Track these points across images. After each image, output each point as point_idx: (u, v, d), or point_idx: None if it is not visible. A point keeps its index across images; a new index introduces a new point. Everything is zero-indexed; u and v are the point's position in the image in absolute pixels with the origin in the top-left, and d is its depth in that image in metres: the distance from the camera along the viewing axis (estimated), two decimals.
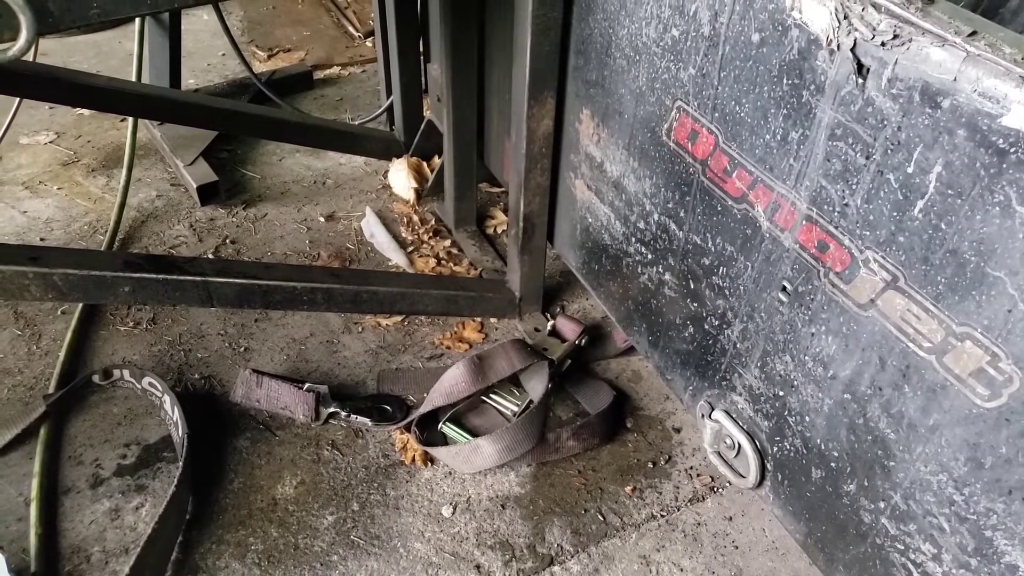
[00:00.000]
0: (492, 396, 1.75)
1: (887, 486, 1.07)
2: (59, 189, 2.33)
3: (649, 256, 1.47)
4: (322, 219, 2.27)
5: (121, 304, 1.92)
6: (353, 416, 1.70)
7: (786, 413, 1.22)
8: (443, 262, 2.14)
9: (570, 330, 1.88)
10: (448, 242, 2.21)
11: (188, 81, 2.79)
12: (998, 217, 0.82)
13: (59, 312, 1.93)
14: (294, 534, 1.52)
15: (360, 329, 1.93)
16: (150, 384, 1.72)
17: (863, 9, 0.91)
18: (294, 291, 1.61)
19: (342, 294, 1.67)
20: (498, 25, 1.77)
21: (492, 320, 1.98)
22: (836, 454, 1.14)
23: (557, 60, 1.53)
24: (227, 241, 2.18)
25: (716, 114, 1.18)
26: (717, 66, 1.15)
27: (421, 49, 2.30)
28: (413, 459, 1.64)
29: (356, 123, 2.63)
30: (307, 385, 1.71)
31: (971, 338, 0.89)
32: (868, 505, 1.11)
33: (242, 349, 1.87)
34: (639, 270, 1.52)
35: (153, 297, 1.49)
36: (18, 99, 2.25)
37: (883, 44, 0.89)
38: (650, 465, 1.67)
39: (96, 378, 1.74)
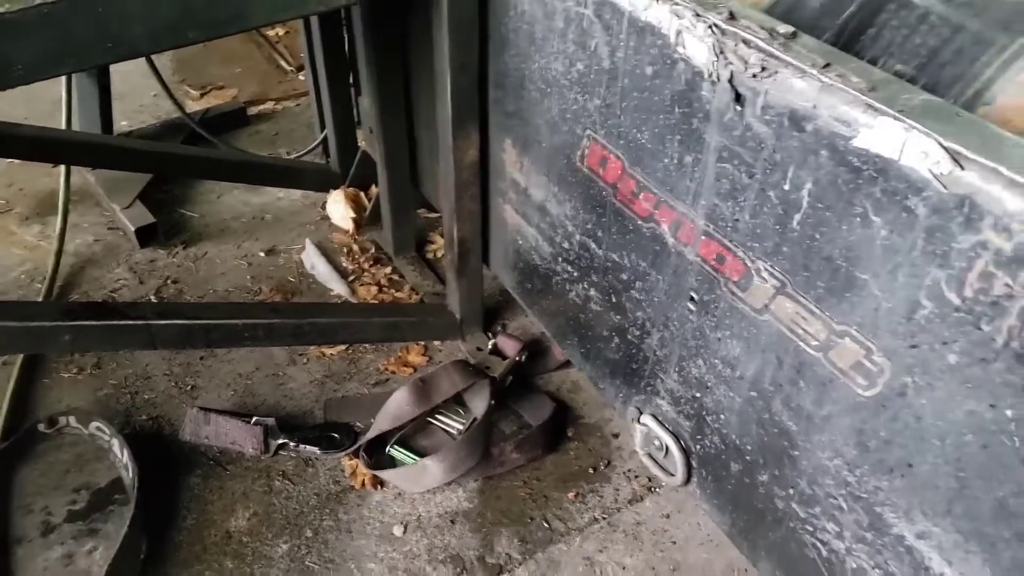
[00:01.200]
0: (438, 416, 1.81)
1: (794, 473, 1.16)
2: None
3: (575, 273, 1.56)
4: (262, 254, 2.31)
5: (63, 353, 1.93)
6: (302, 446, 1.74)
7: (704, 413, 1.31)
8: (384, 289, 2.20)
9: (511, 347, 1.96)
10: (389, 269, 2.27)
11: (120, 123, 2.80)
12: (859, 226, 0.93)
13: (0, 363, 1.93)
14: (249, 565, 1.56)
15: (305, 360, 1.98)
16: (97, 428, 1.74)
17: (736, 45, 1.01)
18: (235, 328, 1.65)
19: (283, 328, 1.72)
20: (421, 61, 1.85)
21: (436, 343, 2.05)
22: (749, 447, 1.24)
23: (477, 94, 1.61)
24: (168, 282, 2.21)
25: (621, 141, 1.28)
26: (619, 97, 1.25)
27: (352, 81, 2.36)
28: (363, 483, 1.70)
29: (292, 157, 2.68)
30: (255, 419, 1.75)
31: (849, 335, 0.99)
32: (780, 492, 1.21)
33: (189, 387, 1.90)
34: (567, 287, 1.60)
35: (95, 344, 1.53)
36: None
37: (754, 75, 0.99)
38: (591, 471, 1.75)
39: (41, 427, 1.75)
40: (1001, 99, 0.96)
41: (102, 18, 1.12)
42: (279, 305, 2.04)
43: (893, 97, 0.87)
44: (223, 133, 2.74)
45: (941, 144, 0.81)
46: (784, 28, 1.00)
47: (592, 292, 1.52)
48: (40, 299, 2.09)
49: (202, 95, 3.07)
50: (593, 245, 1.46)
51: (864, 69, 0.93)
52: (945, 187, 0.82)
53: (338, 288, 2.18)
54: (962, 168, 0.80)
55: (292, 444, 1.74)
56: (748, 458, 1.25)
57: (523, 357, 1.93)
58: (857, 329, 0.98)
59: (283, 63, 3.26)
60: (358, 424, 1.82)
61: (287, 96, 3.07)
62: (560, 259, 1.59)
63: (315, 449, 1.74)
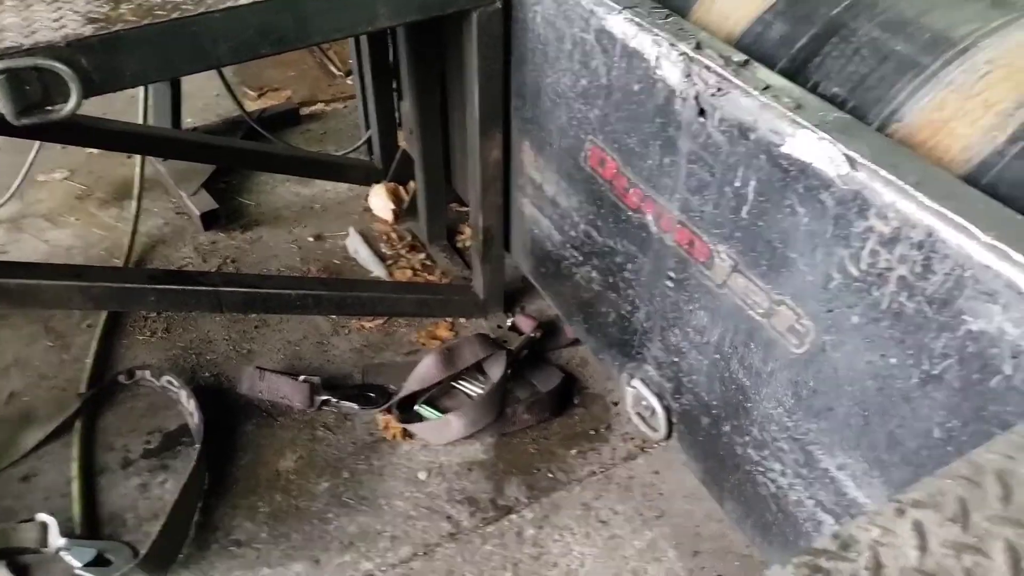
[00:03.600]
0: (460, 381, 2.08)
1: (748, 422, 1.40)
2: (76, 220, 2.65)
3: (580, 258, 1.81)
4: (311, 239, 2.60)
5: (148, 311, 2.23)
6: (342, 403, 2.02)
7: (680, 375, 1.56)
8: (418, 272, 2.47)
9: (527, 325, 2.22)
10: (423, 255, 2.54)
11: (186, 120, 3.10)
12: (789, 215, 1.17)
13: (84, 325, 2.24)
14: (295, 498, 1.84)
15: (346, 331, 2.26)
16: (168, 381, 2.03)
17: (700, 69, 1.26)
18: (289, 297, 1.94)
19: (330, 299, 2.00)
20: (455, 72, 2.12)
21: (461, 320, 2.31)
22: (715, 403, 1.48)
23: (501, 102, 1.87)
24: (228, 261, 2.50)
25: (615, 145, 1.53)
26: (613, 108, 1.50)
27: (394, 87, 2.64)
28: (394, 435, 1.97)
29: (339, 154, 2.97)
30: (302, 377, 2.04)
31: (784, 303, 1.23)
32: (738, 440, 1.44)
33: (245, 351, 2.19)
34: (573, 270, 1.86)
35: (173, 305, 1.82)
36: (38, 143, 2.56)
37: (713, 94, 1.24)
38: (592, 432, 2.00)
39: (121, 378, 2.06)
40: (908, 117, 1.19)
41: (197, 37, 1.40)
42: (327, 280, 2.33)
43: (812, 114, 1.11)
44: (277, 131, 3.04)
45: (841, 151, 1.05)
46: (738, 57, 1.24)
47: (594, 274, 1.77)
48: None
49: (259, 96, 3.39)
50: (594, 233, 1.71)
51: (793, 91, 1.17)
52: (844, 184, 1.06)
53: (377, 271, 2.46)
54: (855, 169, 1.04)
55: (334, 401, 2.02)
56: (714, 412, 1.49)
57: (538, 334, 2.18)
58: (790, 298, 1.21)
59: (333, 69, 3.56)
60: (391, 386, 2.09)
61: (336, 99, 3.37)
62: (568, 245, 1.84)
63: (353, 405, 2.01)
